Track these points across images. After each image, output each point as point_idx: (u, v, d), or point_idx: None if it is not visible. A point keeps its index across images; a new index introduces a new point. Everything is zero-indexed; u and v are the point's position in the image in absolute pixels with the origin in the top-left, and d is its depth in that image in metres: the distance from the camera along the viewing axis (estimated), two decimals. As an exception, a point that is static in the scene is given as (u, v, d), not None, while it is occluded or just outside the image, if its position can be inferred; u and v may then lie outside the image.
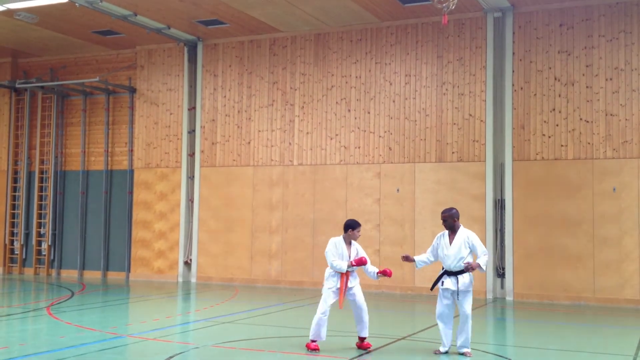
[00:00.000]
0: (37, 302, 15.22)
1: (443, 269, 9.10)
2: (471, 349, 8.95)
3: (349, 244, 9.33)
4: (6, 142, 21.53)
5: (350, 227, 9.28)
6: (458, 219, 9.06)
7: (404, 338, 10.36)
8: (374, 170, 17.06)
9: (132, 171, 19.88)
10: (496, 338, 11.20)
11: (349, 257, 9.20)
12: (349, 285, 9.18)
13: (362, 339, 9.31)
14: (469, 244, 8.93)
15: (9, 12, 16.69)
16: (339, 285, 9.13)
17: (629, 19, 15.17)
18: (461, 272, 8.90)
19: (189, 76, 19.22)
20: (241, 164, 18.50)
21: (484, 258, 8.86)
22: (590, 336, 11.33)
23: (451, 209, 9.14)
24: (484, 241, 15.61)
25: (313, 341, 9.10)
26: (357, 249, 9.35)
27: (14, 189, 21.55)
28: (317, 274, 17.33)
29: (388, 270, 9.18)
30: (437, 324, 9.12)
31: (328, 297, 9.13)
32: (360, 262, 9.10)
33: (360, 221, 9.67)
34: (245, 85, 18.62)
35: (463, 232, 9.00)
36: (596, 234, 14.99)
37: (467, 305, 8.89)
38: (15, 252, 21.28)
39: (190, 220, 19.01)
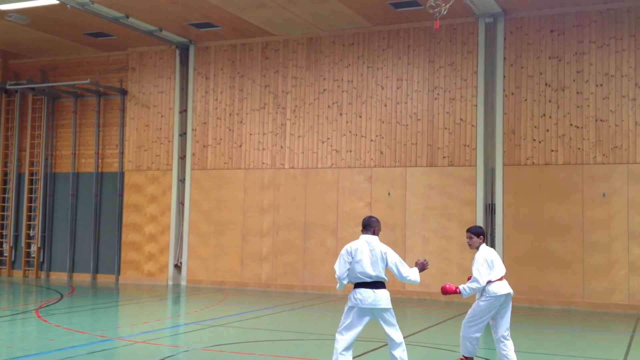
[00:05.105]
0: (26, 304, 15.14)
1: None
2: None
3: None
4: (-4, 143, 21.44)
5: None
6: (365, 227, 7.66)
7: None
8: (365, 174, 17.07)
9: (122, 173, 19.81)
10: (485, 342, 11.20)
11: None
12: None
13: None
14: None
15: (0, 13, 16.63)
16: None
17: (620, 25, 15.26)
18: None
19: (180, 79, 19.19)
20: (232, 167, 18.47)
21: None
22: (580, 341, 11.37)
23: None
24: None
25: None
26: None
27: (4, 191, 21.43)
28: (308, 277, 17.33)
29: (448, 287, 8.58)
30: None
31: None
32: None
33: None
34: (237, 89, 18.61)
35: None
36: (586, 239, 15.05)
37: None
38: (4, 254, 21.15)
39: (180, 223, 18.96)
